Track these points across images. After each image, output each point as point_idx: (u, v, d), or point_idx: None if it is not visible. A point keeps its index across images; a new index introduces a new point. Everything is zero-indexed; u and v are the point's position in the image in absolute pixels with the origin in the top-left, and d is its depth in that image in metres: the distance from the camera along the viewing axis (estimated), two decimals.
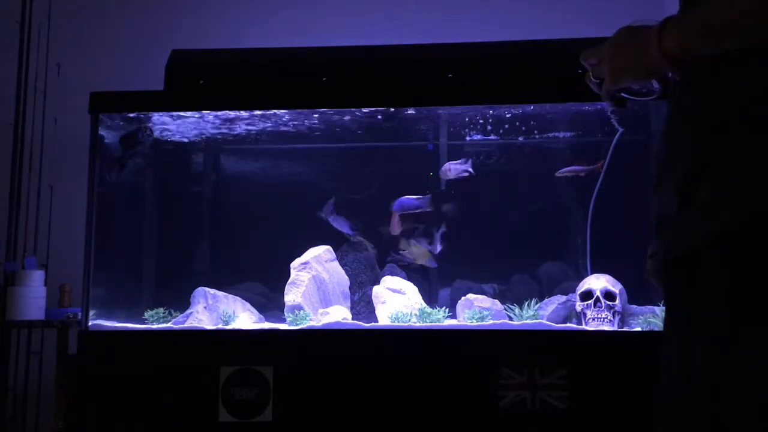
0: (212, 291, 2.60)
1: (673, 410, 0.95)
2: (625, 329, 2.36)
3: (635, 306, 2.43)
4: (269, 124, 2.72)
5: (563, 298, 2.52)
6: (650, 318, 2.34)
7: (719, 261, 0.86)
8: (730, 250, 0.85)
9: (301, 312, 2.44)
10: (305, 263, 2.57)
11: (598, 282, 2.42)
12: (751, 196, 0.84)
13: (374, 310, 2.55)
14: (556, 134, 2.86)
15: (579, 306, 2.40)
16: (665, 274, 1.00)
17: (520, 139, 2.84)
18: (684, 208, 0.91)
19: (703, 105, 0.92)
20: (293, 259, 2.59)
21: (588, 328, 2.34)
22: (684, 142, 0.93)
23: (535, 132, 2.83)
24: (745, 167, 0.85)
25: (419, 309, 2.47)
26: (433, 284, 2.86)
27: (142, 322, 2.54)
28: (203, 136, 2.88)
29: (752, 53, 0.85)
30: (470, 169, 2.67)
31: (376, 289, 2.59)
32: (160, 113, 2.60)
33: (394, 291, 2.55)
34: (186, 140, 2.89)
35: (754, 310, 0.83)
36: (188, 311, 2.52)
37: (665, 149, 0.98)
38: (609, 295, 2.38)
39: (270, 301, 2.77)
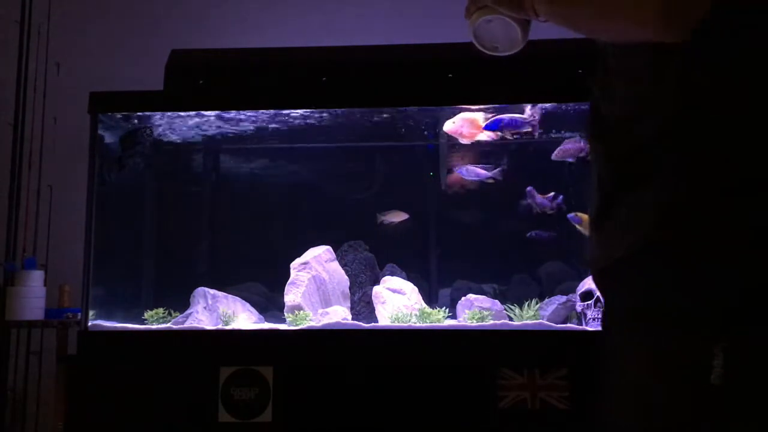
0: (212, 291, 2.60)
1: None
2: None
3: None
4: (269, 124, 2.72)
5: (563, 298, 2.52)
6: None
7: (617, 280, 0.89)
8: (626, 272, 0.86)
9: (301, 312, 2.44)
10: (305, 263, 2.57)
11: None
12: (654, 221, 0.83)
13: (374, 310, 2.55)
14: (558, 134, 2.85)
15: (579, 306, 2.40)
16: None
17: (520, 138, 2.83)
18: (599, 229, 0.92)
19: (625, 123, 0.90)
20: (293, 259, 2.59)
21: (588, 328, 2.34)
22: (605, 164, 0.92)
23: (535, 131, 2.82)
24: (657, 189, 0.83)
25: (419, 309, 2.47)
26: (433, 284, 2.86)
27: (142, 322, 2.54)
28: (203, 136, 2.88)
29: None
30: (497, 176, 2.65)
31: (376, 289, 2.58)
32: (160, 113, 2.60)
33: (394, 291, 2.55)
34: (185, 140, 2.89)
35: (640, 329, 0.85)
36: (188, 311, 2.52)
37: (595, 166, 0.97)
38: None
39: (270, 301, 2.76)
